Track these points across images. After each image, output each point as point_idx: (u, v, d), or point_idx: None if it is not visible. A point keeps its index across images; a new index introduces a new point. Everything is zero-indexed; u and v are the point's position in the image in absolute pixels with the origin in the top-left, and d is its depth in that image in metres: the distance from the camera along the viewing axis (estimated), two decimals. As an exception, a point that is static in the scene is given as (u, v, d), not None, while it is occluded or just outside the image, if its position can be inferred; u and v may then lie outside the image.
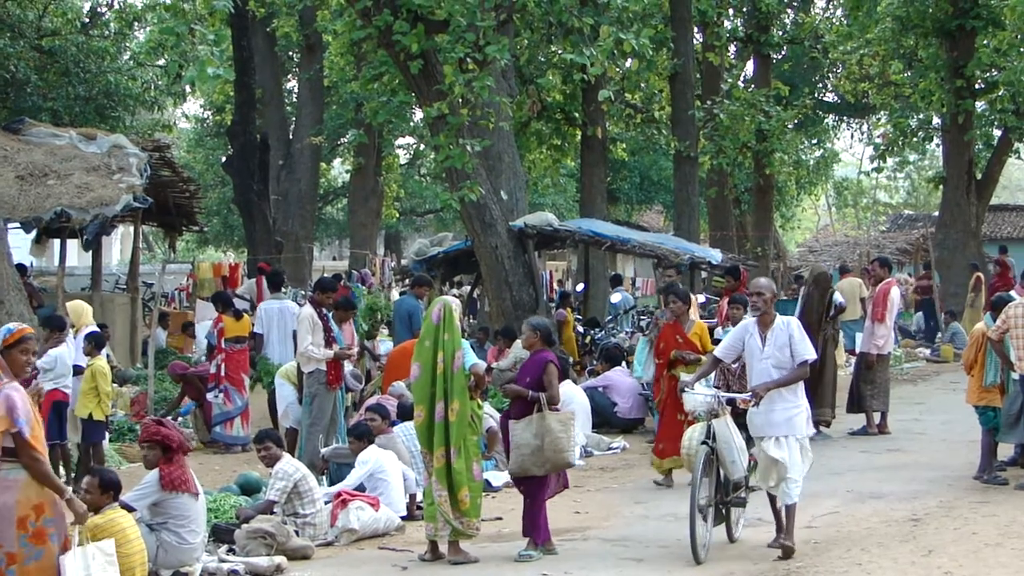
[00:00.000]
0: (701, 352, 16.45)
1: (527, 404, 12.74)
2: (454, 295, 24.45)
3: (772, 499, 12.40)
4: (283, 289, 23.26)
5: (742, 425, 12.49)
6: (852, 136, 56.58)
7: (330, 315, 18.08)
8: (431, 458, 12.75)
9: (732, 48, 40.31)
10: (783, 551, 12.01)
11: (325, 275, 27.01)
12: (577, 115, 34.40)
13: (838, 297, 21.02)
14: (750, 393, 12.15)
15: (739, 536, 12.80)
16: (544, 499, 12.94)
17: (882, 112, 45.56)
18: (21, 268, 24.15)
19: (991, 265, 34.81)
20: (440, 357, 12.73)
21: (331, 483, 14.84)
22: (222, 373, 20.33)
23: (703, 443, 12.09)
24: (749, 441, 12.58)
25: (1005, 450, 16.36)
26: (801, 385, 12.31)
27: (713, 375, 13.11)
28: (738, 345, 12.40)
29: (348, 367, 18.61)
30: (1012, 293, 17.11)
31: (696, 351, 16.53)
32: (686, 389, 12.71)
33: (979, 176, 37.23)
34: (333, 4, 27.60)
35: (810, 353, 12.09)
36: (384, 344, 21.97)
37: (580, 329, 27.84)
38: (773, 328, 12.10)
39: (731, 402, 12.63)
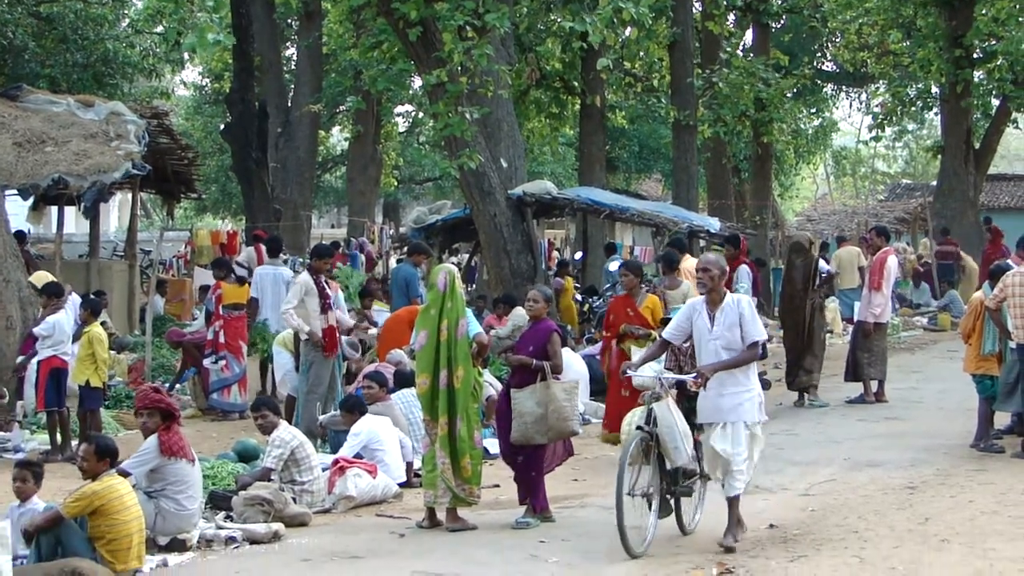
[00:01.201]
0: (652, 326, 16.06)
1: (530, 373, 12.65)
2: (453, 263, 24.36)
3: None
4: (281, 256, 23.26)
5: (693, 409, 11.69)
6: (851, 105, 56.81)
7: (326, 281, 18.14)
8: (435, 426, 12.72)
9: (731, 17, 40.26)
10: (724, 550, 11.22)
11: (323, 242, 27.07)
12: (576, 83, 34.42)
13: (823, 265, 21.08)
14: (696, 374, 11.26)
15: (693, 528, 11.83)
16: (545, 468, 12.94)
17: (881, 81, 45.59)
18: (20, 235, 24.18)
19: (986, 232, 34.72)
20: (444, 325, 12.74)
21: (330, 450, 14.83)
22: (220, 340, 20.33)
23: (639, 428, 11.31)
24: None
25: (1002, 418, 16.38)
26: (754, 367, 11.65)
27: (665, 356, 12.41)
28: (686, 325, 11.64)
29: (345, 336, 18.63)
30: (1009, 262, 17.03)
31: (647, 325, 16.11)
32: (628, 371, 12.18)
33: (977, 145, 37.28)
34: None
35: (761, 334, 11.45)
36: (380, 314, 21.93)
37: (579, 297, 27.85)
38: (723, 307, 11.36)
39: (680, 384, 11.79)
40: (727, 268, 12.09)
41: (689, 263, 19.40)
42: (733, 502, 11.37)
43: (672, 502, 11.65)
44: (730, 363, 11.18)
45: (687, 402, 11.66)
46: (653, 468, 11.22)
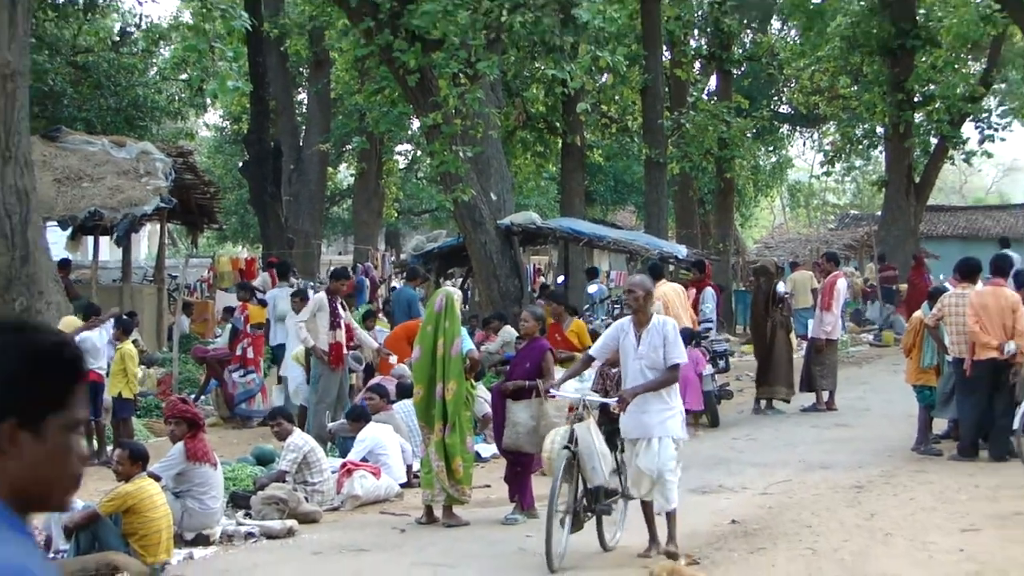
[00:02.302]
0: (578, 349, 15.87)
1: (526, 388, 12.43)
2: (450, 286, 24.49)
3: (645, 507, 10.93)
4: (290, 279, 23.30)
5: (616, 431, 11.12)
6: (804, 144, 56.69)
7: (340, 303, 18.21)
8: (430, 432, 12.87)
9: (697, 65, 40.29)
10: (668, 556, 10.54)
11: (335, 267, 27.17)
12: (558, 125, 34.48)
13: (780, 287, 21.17)
14: (617, 398, 10.73)
15: (614, 545, 11.18)
16: (532, 471, 12.94)
17: (831, 122, 45.68)
18: (65, 263, 24.24)
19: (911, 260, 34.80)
20: (440, 342, 12.82)
21: (339, 455, 14.85)
22: (248, 355, 20.40)
23: (564, 447, 10.62)
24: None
25: (940, 425, 16.41)
26: (676, 388, 10.93)
27: (592, 380, 11.77)
28: (612, 343, 10.97)
29: (351, 352, 18.67)
30: (947, 284, 17.11)
31: (573, 348, 16.04)
32: (552, 390, 11.83)
33: (917, 180, 37.34)
34: (339, 24, 27.56)
35: (681, 357, 10.75)
36: (382, 333, 21.94)
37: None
38: (649, 328, 10.67)
39: (604, 407, 11.26)
40: (652, 290, 11.52)
41: (664, 287, 19.57)
42: (671, 516, 10.81)
43: (593, 519, 11.05)
44: (649, 386, 10.54)
45: (609, 424, 11.14)
46: (571, 486, 10.67)
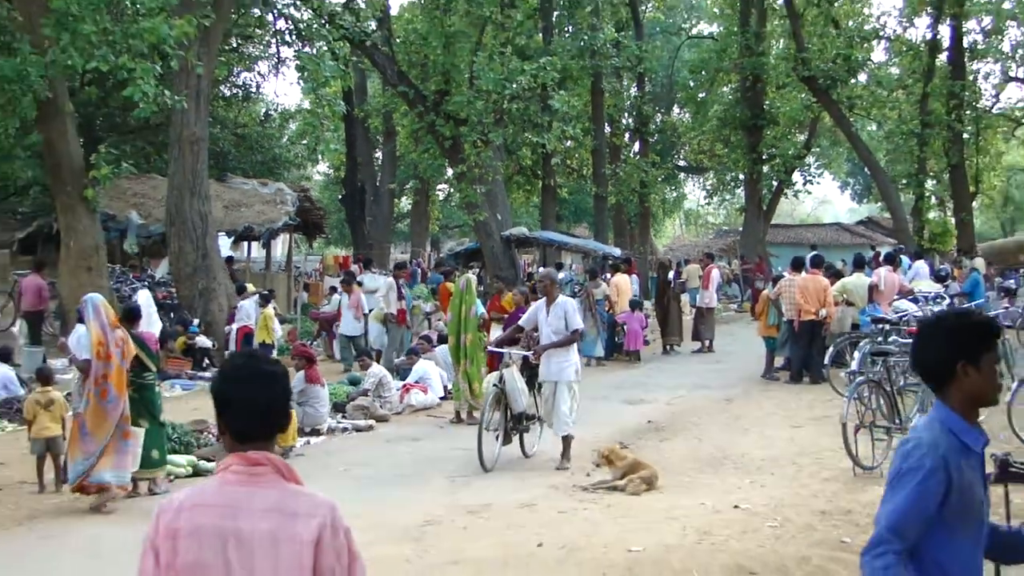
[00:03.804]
0: (507, 312, 15.20)
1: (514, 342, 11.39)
2: (472, 273, 24.49)
3: (565, 436, 10.20)
4: (371, 269, 23.34)
5: (535, 375, 10.33)
6: (694, 185, 56.50)
7: (401, 282, 18.35)
8: (458, 366, 12.96)
9: (627, 135, 40.12)
10: (560, 468, 9.92)
11: (399, 261, 27.26)
12: (539, 173, 34.50)
13: (671, 275, 21.38)
14: (532, 352, 10.16)
15: (532, 454, 10.52)
16: None
17: (711, 171, 45.51)
18: (230, 259, 24.31)
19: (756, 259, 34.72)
20: (463, 309, 12.91)
21: (401, 379, 14.85)
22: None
23: (495, 385, 10.25)
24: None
25: (779, 361, 16.39)
26: (575, 346, 10.24)
27: (522, 340, 10.72)
28: (533, 317, 10.33)
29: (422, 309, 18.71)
30: (784, 273, 17.10)
31: (504, 312, 15.44)
32: (489, 346, 11.70)
33: (764, 207, 37.24)
34: (402, 109, 27.61)
35: (577, 324, 10.12)
36: (426, 305, 21.74)
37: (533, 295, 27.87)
38: (555, 305, 10.09)
39: (525, 358, 10.39)
40: (557, 279, 10.70)
41: (617, 277, 19.75)
42: (566, 440, 10.12)
43: (516, 436, 10.44)
44: (555, 344, 9.96)
45: (529, 370, 10.38)
46: (502, 412, 10.11)
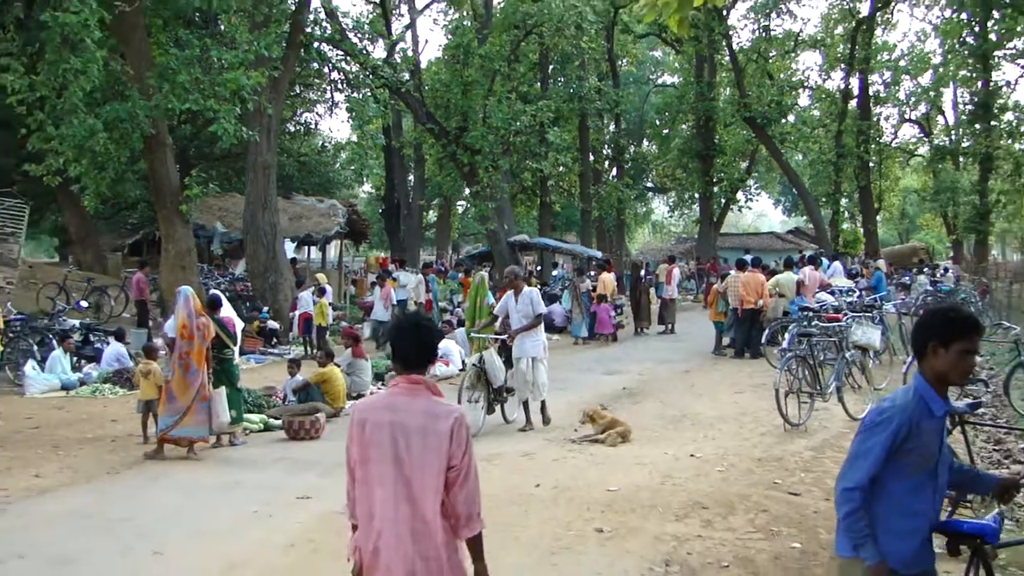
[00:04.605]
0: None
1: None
2: (484, 272, 24.39)
3: (525, 404, 9.85)
4: (405, 268, 23.23)
5: (511, 354, 9.82)
6: (660, 201, 56.27)
7: (432, 278, 18.30)
8: (473, 345, 12.76)
9: (607, 162, 39.97)
10: (527, 427, 9.70)
11: (425, 261, 27.13)
12: (538, 192, 34.27)
13: (642, 273, 21.29)
14: (507, 335, 9.72)
15: (513, 420, 10.11)
16: None
17: (673, 191, 45.35)
18: (294, 260, 24.23)
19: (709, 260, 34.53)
20: (477, 299, 12.82)
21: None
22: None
23: (474, 365, 9.75)
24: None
25: (726, 341, 16.34)
26: (542, 328, 9.75)
27: (497, 324, 10.05)
28: (504, 306, 9.86)
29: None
30: (731, 272, 17.03)
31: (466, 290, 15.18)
32: (472, 332, 11.31)
33: (715, 219, 37.09)
34: (430, 140, 27.53)
35: (541, 308, 9.71)
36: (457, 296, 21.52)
37: (539, 286, 27.67)
38: (522, 295, 9.68)
39: (501, 340, 9.94)
40: (522, 273, 10.10)
41: (603, 275, 19.39)
42: (543, 405, 9.82)
43: (497, 407, 10.05)
44: (524, 327, 9.56)
45: (505, 351, 9.93)
46: (483, 386, 9.70)
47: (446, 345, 14.54)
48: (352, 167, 37.68)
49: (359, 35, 22.05)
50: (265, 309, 18.02)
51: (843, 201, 37.26)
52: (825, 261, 19.19)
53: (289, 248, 25.16)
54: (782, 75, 35.41)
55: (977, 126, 33.03)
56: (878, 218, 39.26)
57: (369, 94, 22.57)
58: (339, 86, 25.94)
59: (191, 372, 8.43)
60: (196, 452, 8.54)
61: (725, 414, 10.26)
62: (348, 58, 22.41)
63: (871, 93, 35.38)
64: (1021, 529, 5.96)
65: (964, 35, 32.59)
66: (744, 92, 31.87)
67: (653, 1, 3.66)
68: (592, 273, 20.56)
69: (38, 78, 12.91)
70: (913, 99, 38.71)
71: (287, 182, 31.46)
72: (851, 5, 34.97)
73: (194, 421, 8.46)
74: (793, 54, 36.30)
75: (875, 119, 36.10)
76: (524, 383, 9.69)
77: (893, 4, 35.28)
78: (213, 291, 11.59)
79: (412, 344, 3.18)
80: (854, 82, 34.63)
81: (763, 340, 14.14)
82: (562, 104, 27.96)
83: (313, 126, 36.72)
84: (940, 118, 41.53)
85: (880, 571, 2.98)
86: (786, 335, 11.95)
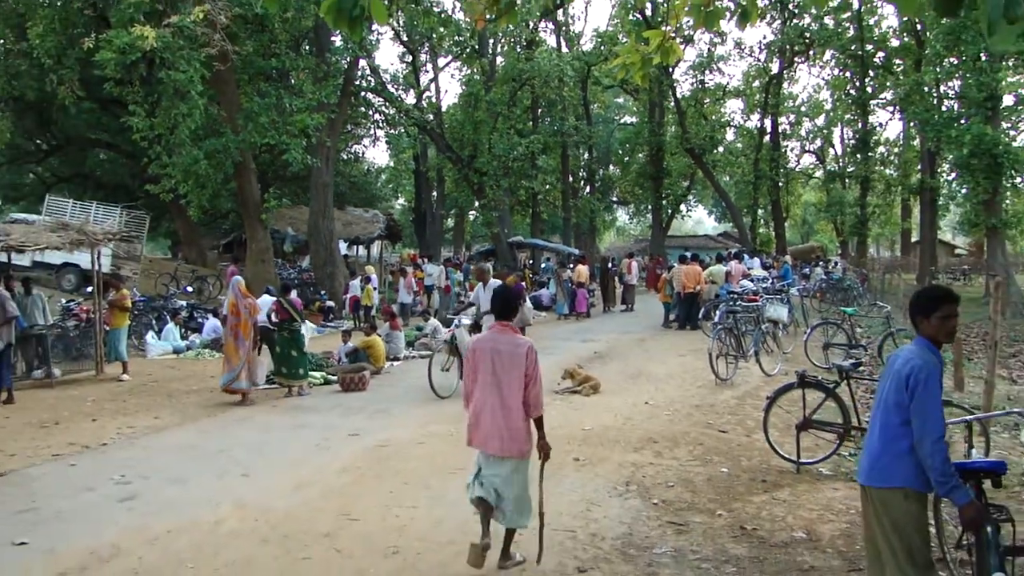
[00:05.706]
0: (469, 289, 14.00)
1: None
2: (487, 265, 24.21)
3: None
4: (431, 261, 22.99)
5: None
6: (623, 211, 55.96)
7: (450, 270, 18.04)
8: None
9: (582, 182, 39.65)
10: None
11: (446, 257, 26.91)
12: (530, 204, 34.01)
13: (609, 265, 21.08)
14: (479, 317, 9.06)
15: None
16: None
17: (632, 203, 45.02)
18: (346, 256, 24.00)
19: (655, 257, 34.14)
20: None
21: (446, 327, 14.62)
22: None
23: (446, 341, 9.04)
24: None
25: (671, 317, 16.15)
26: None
27: (472, 311, 9.17)
28: (476, 296, 8.98)
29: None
30: (676, 265, 16.89)
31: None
32: (448, 314, 10.61)
33: (664, 223, 36.86)
34: (448, 166, 27.30)
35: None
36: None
37: (531, 275, 27.53)
38: (489, 285, 8.70)
39: (475, 322, 8.91)
40: (489, 269, 9.38)
41: (579, 267, 18.74)
42: None
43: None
44: (491, 311, 8.52)
45: (477, 331, 9.08)
46: (455, 358, 8.83)
47: (459, 318, 14.31)
48: (390, 186, 37.49)
49: (396, 86, 22.00)
50: (324, 292, 17.94)
51: (759, 211, 37.32)
52: (746, 256, 19.11)
53: (342, 247, 25.00)
54: (714, 116, 35.31)
55: (858, 156, 33.30)
56: (785, 224, 39.27)
57: (403, 131, 22.47)
58: (380, 124, 25.68)
59: (240, 341, 8.48)
60: (250, 400, 8.53)
61: (672, 372, 10.19)
62: (387, 103, 22.25)
63: (780, 131, 35.56)
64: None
65: (848, 88, 32.89)
66: (686, 129, 31.76)
67: (623, 63, 4.13)
68: (572, 266, 20.46)
69: (156, 120, 13.13)
70: (811, 135, 39.12)
71: (341, 197, 31.10)
72: (765, 64, 34.89)
73: (246, 375, 8.56)
74: (722, 101, 36.07)
75: (783, 150, 36.37)
76: None
77: (796, 64, 35.20)
78: (262, 297, 11.43)
79: (502, 304, 4.03)
80: (767, 122, 34.84)
81: (700, 316, 14.06)
82: (548, 138, 27.66)
83: (361, 154, 36.28)
84: (831, 149, 41.49)
85: (977, 507, 2.81)
86: (717, 312, 11.90)
